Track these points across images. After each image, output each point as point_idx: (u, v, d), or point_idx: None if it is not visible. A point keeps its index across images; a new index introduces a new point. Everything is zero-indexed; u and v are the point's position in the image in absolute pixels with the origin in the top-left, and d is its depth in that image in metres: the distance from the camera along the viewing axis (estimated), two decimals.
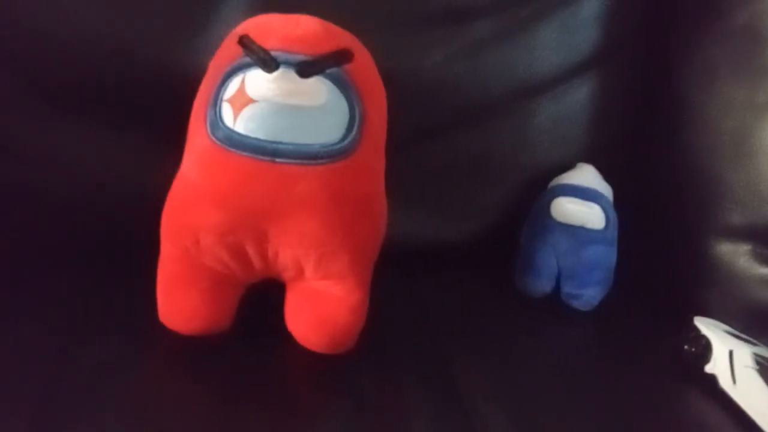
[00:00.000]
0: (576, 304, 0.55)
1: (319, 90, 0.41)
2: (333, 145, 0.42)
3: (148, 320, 0.46)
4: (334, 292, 0.46)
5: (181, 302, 0.46)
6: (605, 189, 0.58)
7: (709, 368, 0.48)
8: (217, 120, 0.42)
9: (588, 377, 0.48)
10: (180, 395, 0.44)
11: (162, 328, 0.46)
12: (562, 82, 0.60)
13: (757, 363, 0.46)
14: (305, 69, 0.41)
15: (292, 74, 0.40)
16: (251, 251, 0.44)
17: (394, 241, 0.48)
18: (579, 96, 0.61)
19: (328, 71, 0.42)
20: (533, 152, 0.61)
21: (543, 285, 0.56)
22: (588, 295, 0.55)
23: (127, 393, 0.42)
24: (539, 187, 0.60)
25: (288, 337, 0.47)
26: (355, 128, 0.43)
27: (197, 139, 0.43)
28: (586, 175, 0.58)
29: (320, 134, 0.42)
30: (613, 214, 0.56)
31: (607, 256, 0.56)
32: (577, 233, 0.55)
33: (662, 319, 0.55)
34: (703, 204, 0.56)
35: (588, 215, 0.55)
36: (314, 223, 0.42)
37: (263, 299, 0.48)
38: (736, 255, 0.54)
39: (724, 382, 0.47)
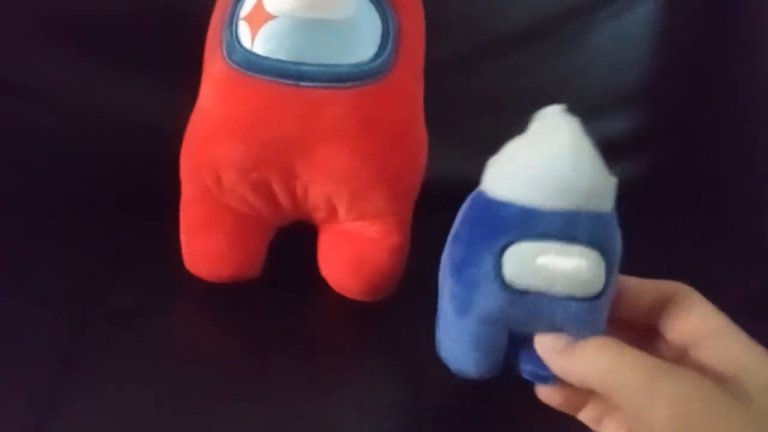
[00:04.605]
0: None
1: (346, 1, 0.37)
2: (364, 64, 0.37)
3: (176, 266, 0.43)
4: (371, 233, 0.42)
5: (205, 247, 0.43)
6: (594, 185, 0.30)
7: None
8: (233, 41, 0.38)
9: None
10: (209, 343, 0.42)
11: (190, 274, 0.43)
12: None
13: None
14: None
15: None
16: (278, 189, 0.41)
17: (437, 179, 0.44)
18: (643, 11, 0.54)
19: None
20: (589, 78, 0.54)
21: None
22: None
23: (154, 339, 0.40)
24: (596, 117, 0.54)
25: (323, 283, 0.44)
26: (389, 45, 0.38)
27: (213, 64, 0.39)
28: (559, 169, 0.29)
29: (349, 52, 0.37)
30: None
31: None
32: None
33: (734, 266, 0.49)
34: None
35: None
36: (345, 155, 0.38)
37: (295, 244, 0.44)
38: None
39: None
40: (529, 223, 0.29)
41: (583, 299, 0.30)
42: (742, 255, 0.49)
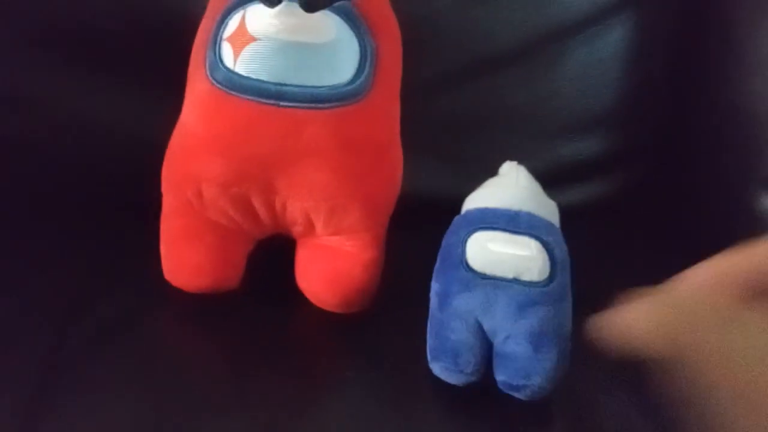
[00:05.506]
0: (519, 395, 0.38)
1: (326, 26, 0.38)
2: (343, 86, 0.39)
3: (159, 276, 0.44)
4: (347, 248, 0.43)
5: (185, 258, 0.44)
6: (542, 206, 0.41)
7: None
8: (216, 61, 0.39)
9: None
10: (192, 353, 0.42)
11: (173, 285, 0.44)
12: (595, 23, 0.56)
13: None
14: (311, 2, 0.37)
15: (296, 8, 0.37)
16: (257, 204, 0.42)
17: (413, 195, 0.45)
18: (613, 38, 0.56)
19: (336, 5, 0.38)
20: (562, 100, 0.56)
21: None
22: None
23: (136, 349, 0.40)
24: (569, 138, 0.56)
25: (301, 295, 0.45)
26: (367, 68, 0.39)
27: (196, 83, 0.40)
28: (506, 188, 0.41)
29: (328, 75, 0.38)
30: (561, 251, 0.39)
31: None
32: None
33: None
34: (748, 152, 0.52)
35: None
36: (323, 173, 0.40)
37: (275, 256, 0.45)
38: None
39: None
40: (484, 218, 0.40)
41: (528, 284, 0.37)
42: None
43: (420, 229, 0.49)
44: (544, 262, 0.38)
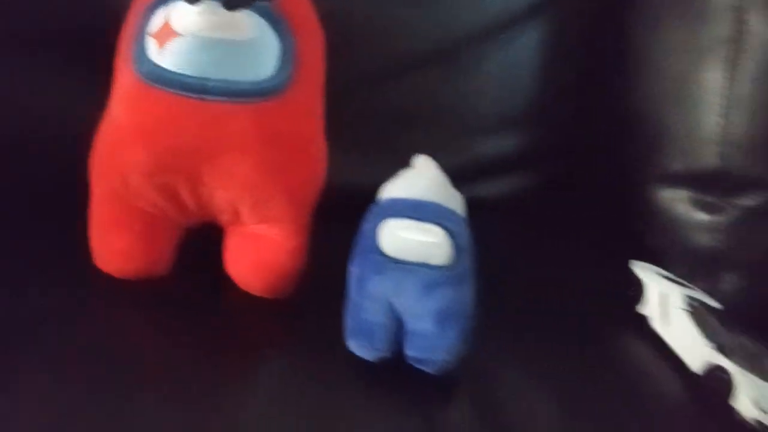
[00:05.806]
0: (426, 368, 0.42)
1: (247, 24, 0.40)
2: (263, 81, 0.40)
3: (88, 265, 0.45)
4: (272, 236, 0.45)
5: (114, 245, 0.45)
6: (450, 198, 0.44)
7: (641, 309, 0.49)
8: (141, 55, 0.40)
9: (524, 316, 0.48)
10: (128, 340, 0.43)
11: (103, 272, 0.45)
12: (513, 27, 0.59)
13: (690, 305, 0.47)
14: (232, 1, 0.39)
15: (218, 6, 0.39)
16: (184, 193, 0.43)
17: (338, 187, 0.47)
18: (528, 42, 0.60)
19: (256, 4, 0.40)
20: (481, 100, 0.60)
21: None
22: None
23: (72, 340, 0.41)
24: (487, 136, 0.59)
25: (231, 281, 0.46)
26: (287, 65, 0.41)
27: (122, 76, 0.42)
28: (417, 179, 0.45)
29: (250, 71, 0.40)
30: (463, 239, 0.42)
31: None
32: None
33: (601, 264, 0.55)
34: (644, 150, 0.56)
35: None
36: (247, 165, 0.41)
37: (207, 243, 0.47)
38: (675, 201, 0.55)
39: (656, 323, 0.48)
40: (395, 207, 0.43)
41: (435, 268, 0.40)
42: (621, 254, 0.54)
43: (342, 219, 0.51)
44: (449, 248, 0.41)
